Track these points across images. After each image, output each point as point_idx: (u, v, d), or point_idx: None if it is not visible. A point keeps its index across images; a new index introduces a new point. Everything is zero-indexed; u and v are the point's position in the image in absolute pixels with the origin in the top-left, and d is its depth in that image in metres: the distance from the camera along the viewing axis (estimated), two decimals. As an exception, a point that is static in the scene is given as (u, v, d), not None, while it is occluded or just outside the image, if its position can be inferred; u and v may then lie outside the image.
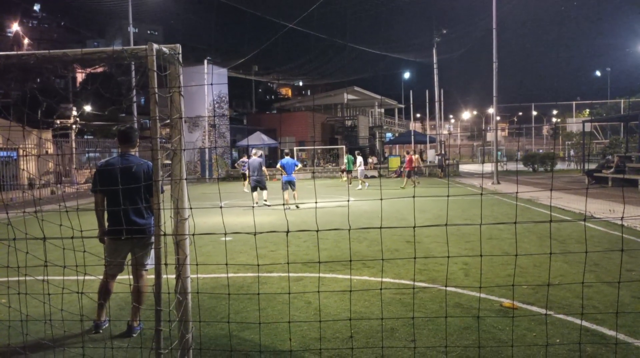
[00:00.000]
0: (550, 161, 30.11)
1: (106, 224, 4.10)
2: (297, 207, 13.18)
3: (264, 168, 13.80)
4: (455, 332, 4.00)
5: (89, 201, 4.38)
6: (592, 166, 21.86)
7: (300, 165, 13.75)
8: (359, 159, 21.03)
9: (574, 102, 45.67)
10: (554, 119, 60.03)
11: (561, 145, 41.95)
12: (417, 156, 20.13)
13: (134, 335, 4.04)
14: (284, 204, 12.62)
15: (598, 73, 57.47)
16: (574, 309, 4.48)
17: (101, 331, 4.12)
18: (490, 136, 36.39)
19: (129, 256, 4.15)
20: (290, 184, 13.14)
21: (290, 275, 6.01)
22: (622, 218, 4.56)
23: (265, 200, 13.42)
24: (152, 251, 4.12)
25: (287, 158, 13.55)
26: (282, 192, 13.02)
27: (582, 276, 5.47)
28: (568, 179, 23.43)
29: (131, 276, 4.09)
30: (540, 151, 46.32)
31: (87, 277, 3.56)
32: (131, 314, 4.12)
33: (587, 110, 49.19)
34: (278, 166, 13.66)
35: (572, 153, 39.66)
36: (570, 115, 45.75)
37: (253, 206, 13.21)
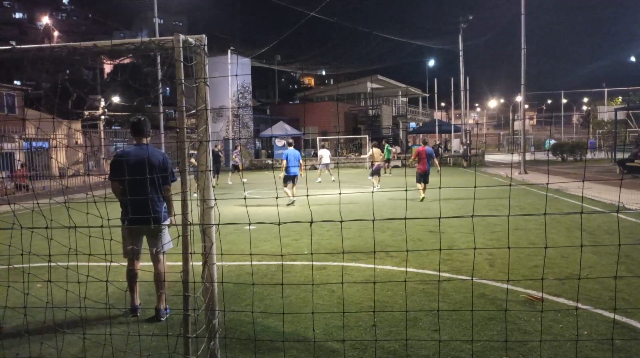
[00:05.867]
0: (581, 150, 29.28)
1: (120, 211, 4.26)
2: (293, 203, 11.95)
3: (300, 161, 12.41)
4: (480, 322, 3.97)
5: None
6: (626, 155, 21.15)
7: (301, 161, 12.25)
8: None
9: (605, 89, 44.12)
10: (584, 107, 58.23)
11: (591, 134, 40.69)
12: (395, 148, 17.55)
13: (162, 318, 4.17)
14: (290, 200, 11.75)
15: (633, 59, 55.26)
16: (603, 301, 4.38)
17: (138, 314, 4.27)
18: (517, 125, 35.55)
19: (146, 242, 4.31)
20: (293, 179, 12.04)
21: (314, 263, 6.06)
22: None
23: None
24: (166, 235, 4.28)
25: (291, 148, 12.20)
26: (284, 188, 12.11)
27: (611, 268, 5.34)
28: (598, 168, 22.76)
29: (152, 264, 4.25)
30: (571, 138, 44.96)
31: (113, 264, 3.66)
32: (157, 300, 4.26)
33: (620, 97, 47.48)
34: (283, 160, 12.02)
35: (591, 141, 38.48)
36: (601, 103, 44.27)
37: (293, 201, 11.97)
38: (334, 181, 18.80)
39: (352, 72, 51.13)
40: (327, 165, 19.33)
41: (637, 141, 26.21)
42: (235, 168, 17.58)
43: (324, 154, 19.57)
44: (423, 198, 11.98)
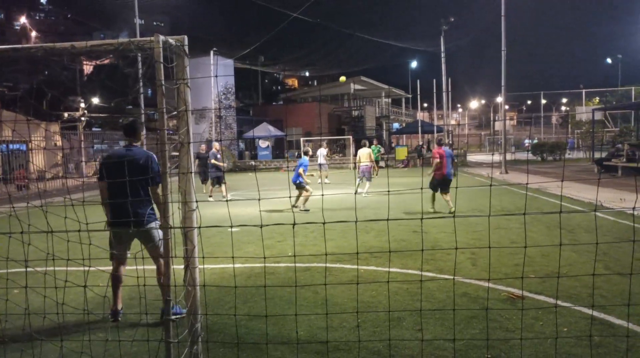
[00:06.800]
0: (560, 150, 29.84)
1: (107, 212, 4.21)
2: (296, 207, 11.15)
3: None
4: (463, 321, 4.01)
5: (96, 193, 4.44)
6: (603, 155, 21.64)
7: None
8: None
9: (583, 90, 45.08)
10: (563, 108, 59.40)
11: (570, 134, 41.50)
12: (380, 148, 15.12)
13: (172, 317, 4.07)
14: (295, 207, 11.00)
15: (609, 60, 56.58)
16: (582, 298, 4.47)
17: (119, 318, 4.21)
18: (498, 125, 36.07)
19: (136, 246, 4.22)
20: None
21: (298, 265, 6.05)
22: (633, 208, 4.51)
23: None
24: (157, 235, 4.18)
25: (306, 158, 11.29)
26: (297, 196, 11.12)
27: (590, 265, 5.45)
28: (577, 168, 23.22)
29: (139, 267, 4.16)
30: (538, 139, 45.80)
31: (92, 269, 3.60)
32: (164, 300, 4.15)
33: (597, 98, 48.54)
34: (300, 170, 10.77)
35: (571, 141, 39.26)
36: (579, 103, 45.18)
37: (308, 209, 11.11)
38: (327, 183, 18.52)
39: (336, 73, 51.24)
40: (320, 166, 18.93)
41: (614, 141, 26.84)
42: (218, 180, 13.53)
43: (320, 154, 19.17)
44: (451, 209, 9.74)
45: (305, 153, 11.63)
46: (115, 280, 4.21)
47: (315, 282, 5.19)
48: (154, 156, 4.25)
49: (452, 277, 5.13)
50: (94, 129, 32.40)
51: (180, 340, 2.87)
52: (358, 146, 15.14)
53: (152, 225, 4.20)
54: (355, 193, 13.48)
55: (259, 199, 3.22)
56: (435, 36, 33.62)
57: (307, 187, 10.97)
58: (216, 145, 13.68)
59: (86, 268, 3.22)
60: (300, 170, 10.85)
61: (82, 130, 26.70)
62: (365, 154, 13.58)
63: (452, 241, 7.03)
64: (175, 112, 3.22)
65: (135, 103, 31.78)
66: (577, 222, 8.43)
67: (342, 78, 21.53)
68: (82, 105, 27.45)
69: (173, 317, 4.02)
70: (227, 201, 12.63)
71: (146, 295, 4.23)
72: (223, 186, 13.08)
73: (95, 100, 32.67)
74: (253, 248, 7.15)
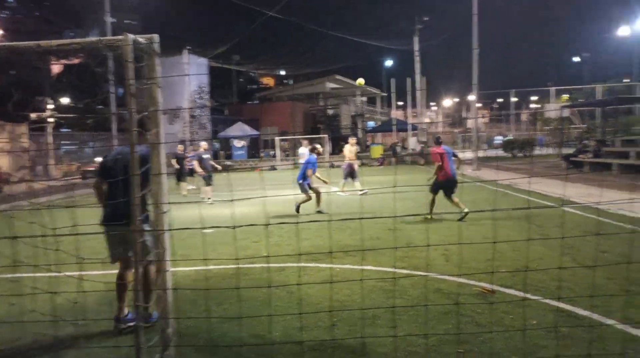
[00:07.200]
0: (530, 146, 30.60)
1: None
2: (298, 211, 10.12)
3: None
4: (436, 317, 4.07)
5: (66, 196, 4.33)
6: (571, 151, 22.30)
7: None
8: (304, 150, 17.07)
9: (552, 88, 46.37)
10: (532, 105, 60.92)
11: (540, 131, 42.61)
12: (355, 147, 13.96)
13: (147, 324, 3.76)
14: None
15: (576, 59, 58.35)
16: (550, 291, 4.60)
17: (124, 326, 3.99)
18: (470, 123, 36.76)
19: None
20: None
21: (273, 265, 6.03)
22: (598, 203, 4.67)
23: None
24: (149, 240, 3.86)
25: (314, 155, 10.32)
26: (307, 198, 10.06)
27: (559, 259, 5.61)
28: (546, 164, 23.86)
29: (116, 272, 4.07)
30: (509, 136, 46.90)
31: (60, 274, 3.51)
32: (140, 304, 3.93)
33: (565, 96, 49.96)
34: (308, 171, 9.92)
35: (540, 138, 40.31)
36: (548, 101, 46.44)
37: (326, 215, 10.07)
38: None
39: (311, 72, 51.26)
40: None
41: (581, 137, 27.68)
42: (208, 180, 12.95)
43: (304, 153, 18.83)
44: (463, 211, 8.55)
45: (312, 150, 10.38)
46: (119, 285, 4.06)
47: (291, 282, 5.19)
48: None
49: (426, 273, 5.20)
50: (62, 130, 31.53)
51: (151, 346, 2.83)
52: (335, 145, 15.15)
53: (146, 227, 3.92)
54: (347, 192, 13.04)
55: (232, 201, 3.20)
56: (410, 35, 34.00)
57: (309, 192, 9.92)
58: (204, 145, 13.44)
59: (54, 274, 3.14)
60: (309, 171, 9.77)
61: (51, 131, 25.98)
62: (351, 151, 13.65)
63: (426, 238, 7.13)
64: (146, 113, 3.17)
65: (106, 103, 31.09)
66: (545, 217, 8.67)
67: (360, 81, 20.16)
68: (51, 106, 26.69)
69: (129, 324, 3.88)
70: (211, 203, 12.32)
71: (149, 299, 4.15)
72: (209, 188, 12.69)
73: (65, 100, 31.81)
74: (228, 248, 7.09)
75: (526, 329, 3.67)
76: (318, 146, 10.88)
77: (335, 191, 13.20)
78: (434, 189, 8.99)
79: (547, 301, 4.35)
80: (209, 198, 12.57)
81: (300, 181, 9.94)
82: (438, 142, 9.37)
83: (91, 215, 4.03)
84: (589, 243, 6.48)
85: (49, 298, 3.99)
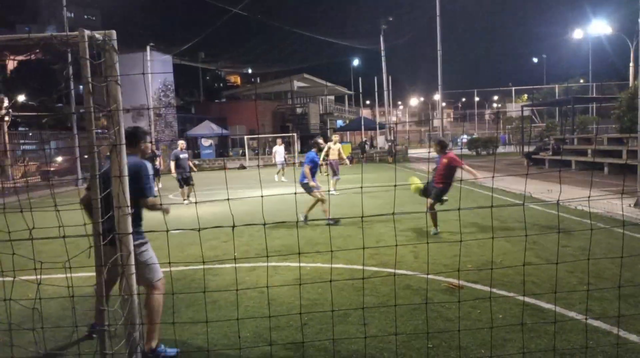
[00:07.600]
0: (493, 145, 31.46)
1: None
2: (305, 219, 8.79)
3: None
4: (406, 313, 4.11)
5: (22, 198, 4.12)
6: (532, 149, 23.05)
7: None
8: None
9: (512, 88, 47.83)
10: (494, 105, 62.67)
11: (502, 129, 43.88)
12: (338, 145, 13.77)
13: None
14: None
15: (535, 60, 60.37)
16: (515, 286, 4.72)
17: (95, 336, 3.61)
18: (436, 122, 37.47)
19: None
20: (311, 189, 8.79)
21: (244, 265, 5.95)
22: (558, 201, 4.83)
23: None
24: (145, 256, 3.58)
25: (313, 151, 8.96)
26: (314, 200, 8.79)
27: (522, 253, 5.77)
28: (508, 161, 24.58)
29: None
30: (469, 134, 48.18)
31: (16, 279, 3.34)
32: (145, 337, 3.44)
33: (525, 95, 51.64)
34: (306, 169, 8.73)
35: (502, 136, 41.56)
36: (510, 100, 47.88)
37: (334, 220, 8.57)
38: (284, 181, 17.82)
39: (279, 71, 51.07)
40: (282, 164, 18.24)
41: (541, 135, 28.69)
42: (187, 181, 12.27)
43: (279, 151, 18.48)
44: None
45: (314, 145, 9.01)
46: (100, 293, 3.69)
47: (261, 282, 5.13)
48: (147, 164, 3.69)
49: (395, 271, 5.25)
50: (20, 129, 30.18)
51: (116, 352, 2.73)
52: (303, 144, 15.23)
53: (138, 242, 3.50)
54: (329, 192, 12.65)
55: (196, 203, 3.12)
56: (376, 34, 34.34)
57: (315, 191, 8.63)
58: (181, 143, 12.82)
59: (9, 279, 2.98)
60: (306, 169, 8.64)
61: (7, 130, 24.82)
62: (333, 149, 13.69)
63: (394, 236, 7.20)
64: (105, 112, 3.05)
65: (66, 101, 29.96)
66: (509, 213, 8.92)
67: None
68: (6, 103, 25.49)
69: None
70: (196, 203, 11.76)
71: (77, 306, 4.00)
72: (189, 188, 12.22)
73: (21, 98, 30.46)
74: (196, 249, 6.95)
75: (493, 326, 3.75)
76: (320, 140, 9.25)
77: (329, 192, 12.52)
78: (439, 198, 7.58)
79: (512, 295, 4.47)
80: (185, 200, 12.16)
81: (305, 181, 8.70)
82: (445, 146, 7.88)
83: (50, 217, 3.84)
84: (550, 238, 6.70)
85: (4, 305, 3.79)
